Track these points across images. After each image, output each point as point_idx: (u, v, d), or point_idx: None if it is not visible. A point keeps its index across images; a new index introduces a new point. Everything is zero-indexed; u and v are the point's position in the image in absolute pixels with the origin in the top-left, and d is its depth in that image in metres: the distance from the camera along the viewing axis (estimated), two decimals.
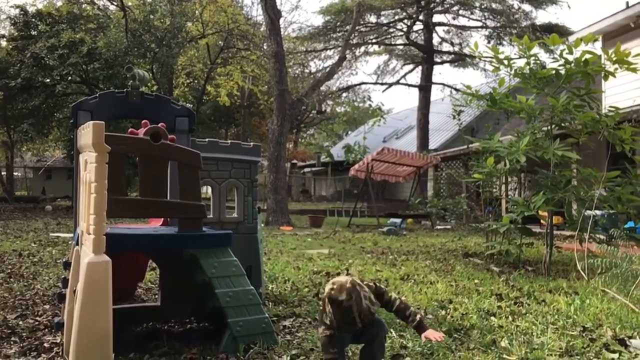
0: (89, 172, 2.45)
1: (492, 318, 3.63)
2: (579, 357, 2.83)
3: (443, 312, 3.81)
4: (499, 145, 6.09)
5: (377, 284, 2.56)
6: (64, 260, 3.23)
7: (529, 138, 5.68)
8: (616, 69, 5.58)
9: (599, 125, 5.53)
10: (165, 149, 2.83)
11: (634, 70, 5.51)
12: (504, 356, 2.81)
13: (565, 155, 5.45)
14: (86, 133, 2.48)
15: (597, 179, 5.57)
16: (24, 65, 16.96)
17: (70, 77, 18.17)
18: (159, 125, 2.90)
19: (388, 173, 16.80)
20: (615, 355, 2.83)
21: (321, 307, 2.45)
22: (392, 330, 3.28)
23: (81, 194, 2.81)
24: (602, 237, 5.63)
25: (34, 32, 18.29)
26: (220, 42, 24.25)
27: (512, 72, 6.14)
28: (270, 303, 4.09)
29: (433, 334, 2.46)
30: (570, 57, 5.64)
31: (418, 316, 2.50)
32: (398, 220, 13.43)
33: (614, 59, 5.54)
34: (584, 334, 3.25)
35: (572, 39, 6.00)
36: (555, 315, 3.73)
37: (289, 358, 2.75)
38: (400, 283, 5.04)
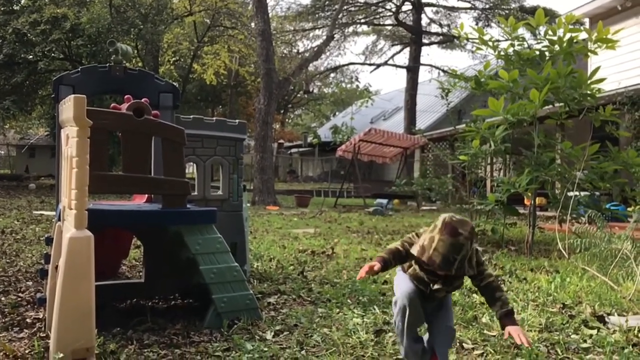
0: (70, 146, 2.42)
1: (474, 295, 3.67)
2: (558, 333, 2.88)
3: None
4: (485, 126, 6.13)
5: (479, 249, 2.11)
6: (46, 236, 3.20)
7: (503, 98, 5.67)
8: (597, 47, 5.60)
9: (579, 93, 5.53)
10: (149, 124, 2.80)
11: (613, 47, 5.53)
12: (485, 332, 2.85)
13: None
14: (67, 107, 2.44)
15: (579, 158, 5.64)
16: (5, 41, 16.58)
17: (53, 54, 17.81)
18: (142, 100, 2.86)
19: (375, 154, 16.82)
20: (594, 332, 2.89)
21: (413, 237, 2.12)
22: (375, 306, 3.32)
23: (63, 170, 2.78)
24: (582, 218, 5.71)
25: (16, 7, 17.87)
26: (207, 20, 23.90)
27: (496, 53, 6.14)
28: (255, 280, 4.10)
29: (520, 334, 1.98)
30: (554, 38, 5.65)
31: (510, 306, 2.07)
32: (384, 201, 13.50)
33: (595, 38, 5.57)
34: (563, 311, 3.31)
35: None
36: (536, 292, 3.79)
37: (272, 333, 2.77)
38: None
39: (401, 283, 2.15)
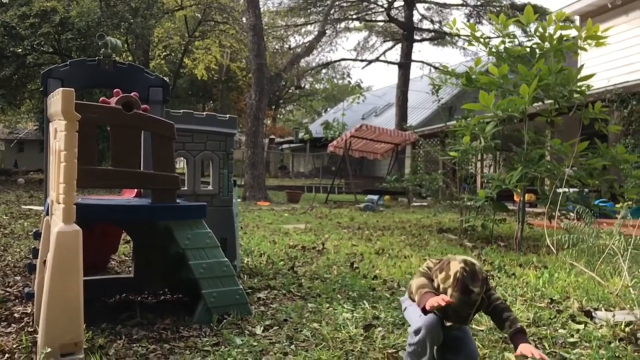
0: (58, 140, 2.40)
1: None
2: (545, 327, 2.90)
3: None
4: (475, 121, 6.16)
5: (487, 276, 2.05)
6: (34, 230, 3.18)
7: (494, 94, 5.69)
8: (586, 45, 5.64)
9: (568, 90, 5.55)
10: (138, 118, 2.78)
11: (603, 44, 5.57)
12: (474, 326, 2.87)
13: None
14: (55, 101, 2.42)
15: (568, 155, 5.68)
16: None
17: (42, 47, 17.66)
18: (132, 94, 2.84)
19: (366, 150, 16.84)
20: (581, 326, 2.92)
21: (429, 269, 2.08)
22: (364, 301, 3.33)
23: (51, 164, 2.76)
24: (571, 214, 5.76)
25: (4, 0, 17.69)
26: (198, 15, 23.77)
27: (487, 50, 6.16)
28: (245, 276, 4.10)
29: (532, 350, 1.92)
30: (545, 35, 5.68)
31: (519, 324, 2.01)
32: (375, 197, 13.52)
33: (584, 35, 5.60)
34: (551, 306, 3.34)
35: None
36: (525, 287, 3.82)
37: (262, 328, 2.77)
38: (375, 257, 5.10)
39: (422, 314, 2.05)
